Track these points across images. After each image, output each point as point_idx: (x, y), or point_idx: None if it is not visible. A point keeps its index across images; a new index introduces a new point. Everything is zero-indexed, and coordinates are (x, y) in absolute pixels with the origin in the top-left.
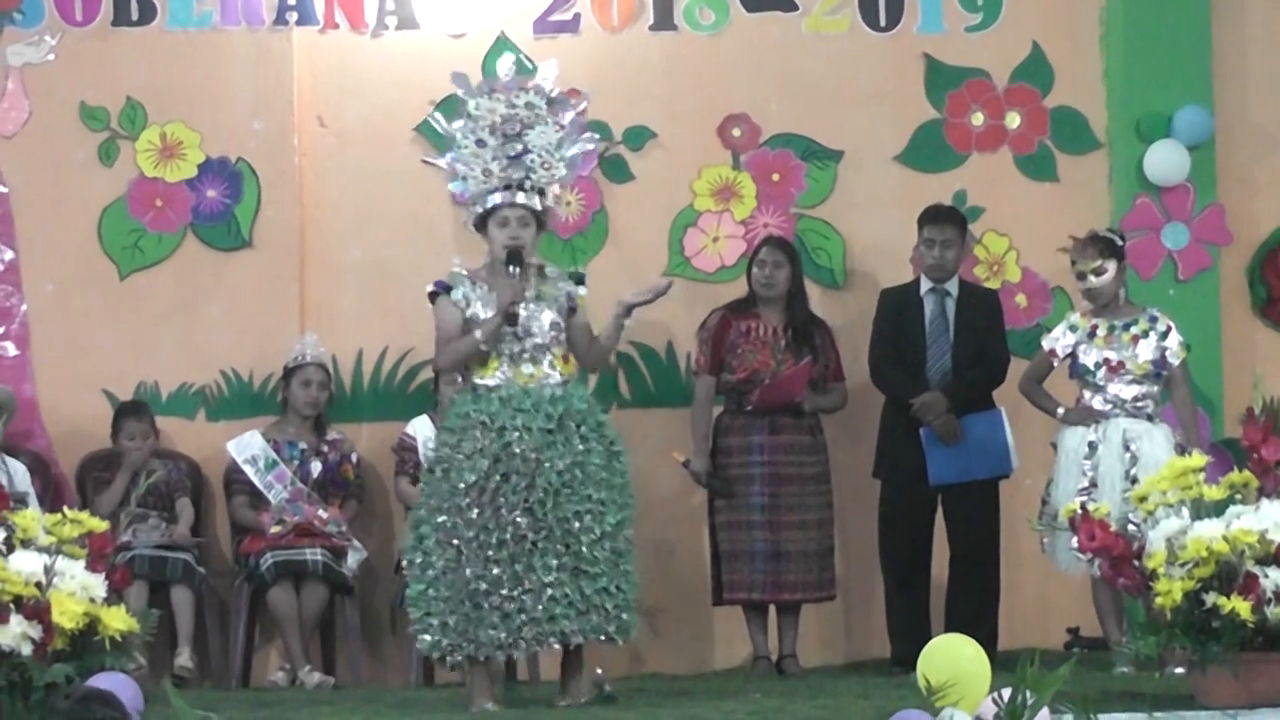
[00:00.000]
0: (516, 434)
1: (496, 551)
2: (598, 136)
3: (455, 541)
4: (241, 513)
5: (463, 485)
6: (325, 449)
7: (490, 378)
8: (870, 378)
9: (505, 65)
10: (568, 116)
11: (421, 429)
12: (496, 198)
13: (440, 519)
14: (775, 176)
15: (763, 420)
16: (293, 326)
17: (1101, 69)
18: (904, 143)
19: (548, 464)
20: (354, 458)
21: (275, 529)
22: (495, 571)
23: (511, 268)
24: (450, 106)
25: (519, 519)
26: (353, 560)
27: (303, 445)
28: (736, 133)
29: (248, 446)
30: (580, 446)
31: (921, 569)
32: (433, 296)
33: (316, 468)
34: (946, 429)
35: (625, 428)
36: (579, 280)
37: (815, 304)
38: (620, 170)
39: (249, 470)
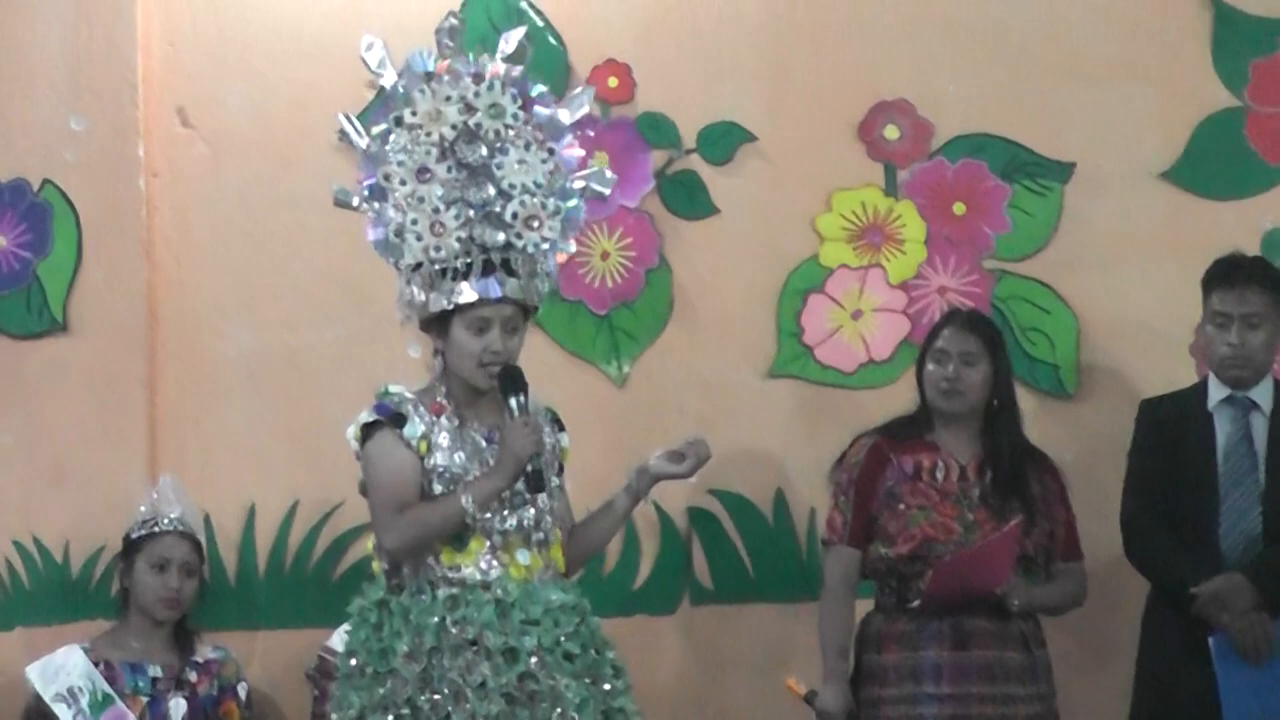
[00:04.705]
0: (534, 659)
1: None
2: (610, 175)
3: None
4: None
5: None
6: (194, 676)
7: (469, 567)
8: (1124, 550)
9: (513, 38)
10: (554, 127)
11: None
12: (466, 289)
13: None
14: (958, 208)
15: (942, 624)
16: (137, 465)
17: None
18: (1178, 150)
19: (576, 710)
20: (242, 691)
21: None
22: None
23: (514, 399)
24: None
25: None
26: None
27: (156, 670)
28: (892, 133)
29: (61, 673)
30: (610, 686)
31: None
32: (370, 429)
33: (179, 708)
34: (1253, 636)
35: (705, 636)
36: (556, 421)
37: (1031, 425)
38: (693, 198)
39: (63, 713)
